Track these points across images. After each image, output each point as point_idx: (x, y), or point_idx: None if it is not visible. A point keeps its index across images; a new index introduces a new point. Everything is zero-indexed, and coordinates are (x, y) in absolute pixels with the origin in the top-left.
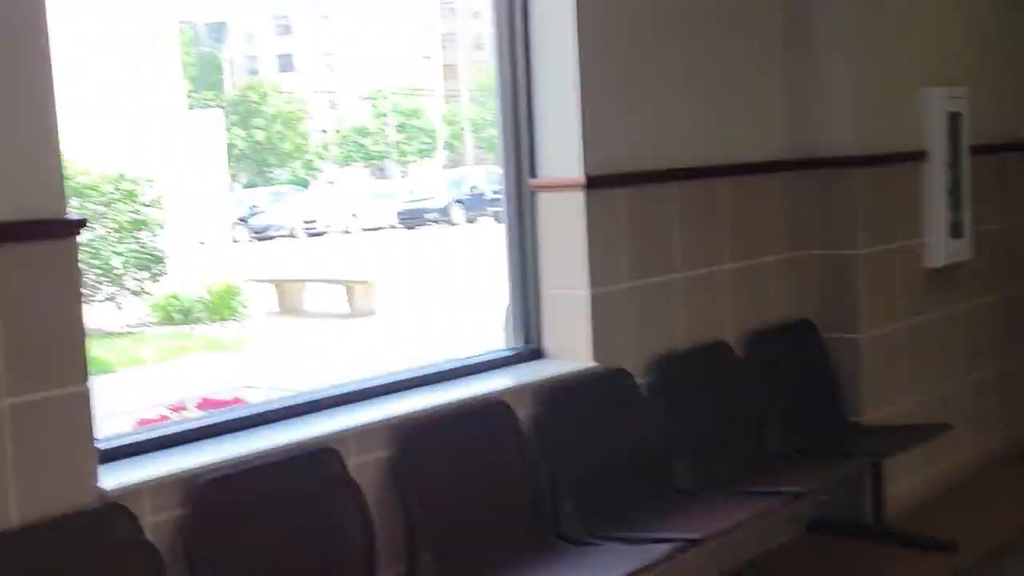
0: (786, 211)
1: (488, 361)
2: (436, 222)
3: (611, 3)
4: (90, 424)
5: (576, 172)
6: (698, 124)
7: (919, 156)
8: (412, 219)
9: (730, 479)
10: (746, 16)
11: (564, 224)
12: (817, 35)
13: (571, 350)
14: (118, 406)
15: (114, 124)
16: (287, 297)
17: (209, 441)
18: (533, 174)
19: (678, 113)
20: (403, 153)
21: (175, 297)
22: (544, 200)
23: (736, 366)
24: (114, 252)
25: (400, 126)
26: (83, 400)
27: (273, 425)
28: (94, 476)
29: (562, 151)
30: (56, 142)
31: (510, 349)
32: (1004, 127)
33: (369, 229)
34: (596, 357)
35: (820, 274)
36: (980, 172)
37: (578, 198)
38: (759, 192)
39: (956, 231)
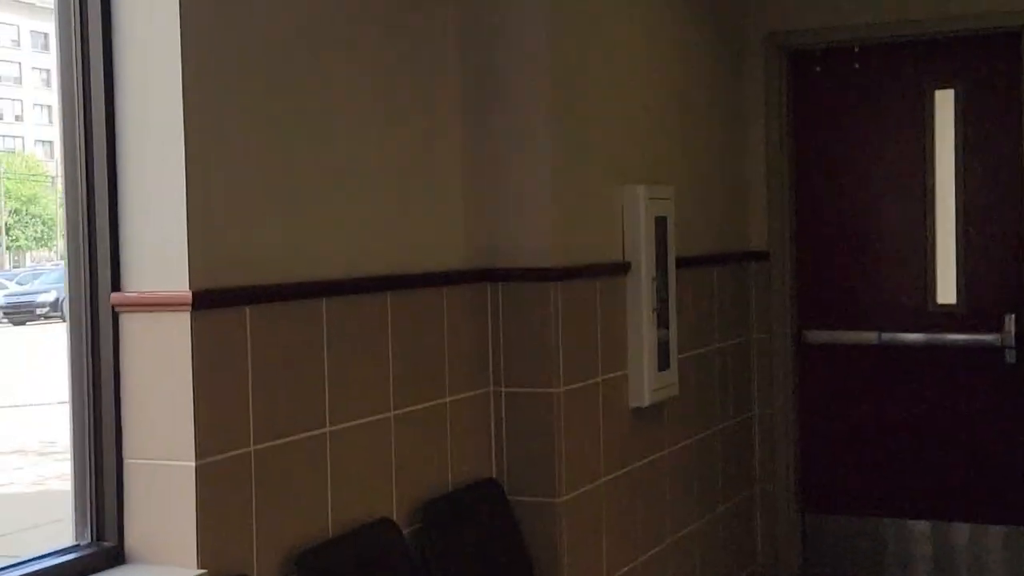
0: (467, 336)
1: (37, 572)
2: (48, 318)
3: (242, 63)
4: None
5: (179, 284)
6: (358, 224)
7: (622, 269)
8: (19, 313)
9: None
10: (417, 98)
11: (159, 359)
12: (501, 122)
13: (166, 551)
14: None
15: None
16: None
17: None
18: (116, 286)
19: (330, 209)
20: (16, 239)
21: None
22: (130, 323)
23: (403, 554)
24: None
25: (14, 211)
26: None
27: None
28: None
29: (159, 255)
30: None
31: (72, 550)
32: (709, 237)
33: None
34: (204, 561)
35: (509, 419)
36: (685, 289)
37: (182, 321)
38: (433, 312)
39: (663, 361)
